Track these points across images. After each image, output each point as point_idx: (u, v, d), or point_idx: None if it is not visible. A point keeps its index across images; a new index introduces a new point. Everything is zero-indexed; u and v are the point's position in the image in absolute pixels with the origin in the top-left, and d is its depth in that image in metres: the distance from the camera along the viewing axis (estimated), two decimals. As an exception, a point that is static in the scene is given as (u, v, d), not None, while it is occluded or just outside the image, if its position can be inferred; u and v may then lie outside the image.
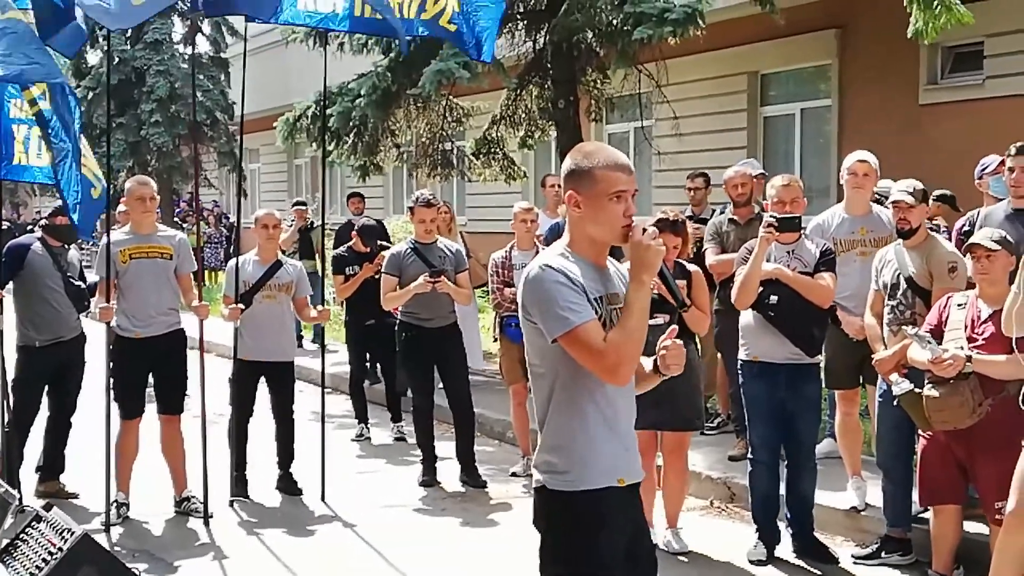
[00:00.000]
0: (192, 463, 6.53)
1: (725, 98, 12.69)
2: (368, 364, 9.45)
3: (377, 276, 7.55)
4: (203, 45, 23.88)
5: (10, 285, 6.67)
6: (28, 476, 6.69)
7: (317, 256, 11.19)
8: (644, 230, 2.95)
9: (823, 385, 5.84)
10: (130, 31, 22.57)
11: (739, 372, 5.71)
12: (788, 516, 5.63)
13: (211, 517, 6.39)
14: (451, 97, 11.12)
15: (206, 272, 14.77)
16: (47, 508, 3.56)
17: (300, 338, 12.15)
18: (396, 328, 7.38)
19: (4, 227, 7.16)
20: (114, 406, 6.29)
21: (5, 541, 3.50)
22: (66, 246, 6.97)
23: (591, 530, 2.98)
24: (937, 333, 4.81)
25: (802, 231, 5.55)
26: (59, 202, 7.15)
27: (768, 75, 12.69)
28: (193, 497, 6.52)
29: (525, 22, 10.63)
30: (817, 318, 5.45)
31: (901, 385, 4.85)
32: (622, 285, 3.08)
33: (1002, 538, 4.42)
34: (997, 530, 4.51)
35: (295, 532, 6.28)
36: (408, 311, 7.17)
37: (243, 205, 24.29)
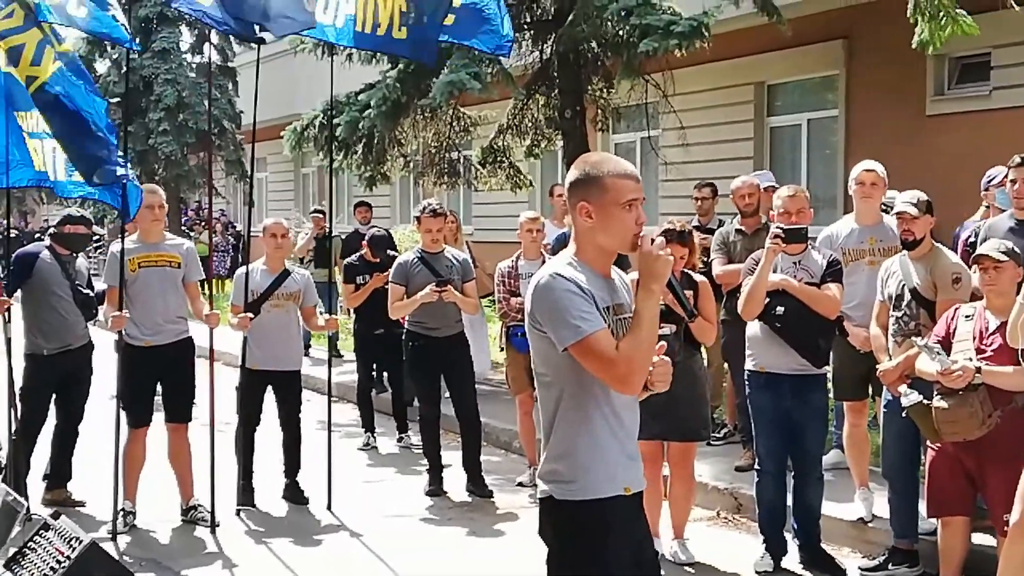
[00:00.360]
0: (199, 471, 6.54)
1: (732, 108, 12.70)
2: (375, 373, 9.45)
3: (387, 286, 7.56)
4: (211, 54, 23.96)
5: (18, 293, 6.70)
6: (35, 484, 6.70)
7: (336, 266, 11.20)
8: (652, 240, 2.97)
9: (831, 396, 5.83)
10: (138, 39, 22.70)
11: (746, 382, 5.71)
12: (795, 527, 5.62)
13: (218, 526, 6.40)
14: (458, 107, 11.14)
15: (213, 280, 14.80)
16: (55, 516, 3.58)
17: (308, 347, 12.17)
18: (403, 337, 7.39)
19: (12, 235, 7.18)
20: (122, 415, 6.29)
21: (13, 550, 3.51)
22: (74, 254, 7.00)
23: (598, 539, 2.98)
24: (945, 344, 4.80)
25: (809, 242, 5.55)
26: (68, 211, 7.20)
27: (775, 85, 12.70)
28: (200, 506, 6.52)
29: (532, 32, 10.66)
30: (823, 329, 5.45)
31: (910, 396, 4.84)
32: (627, 295, 3.10)
33: (1007, 548, 4.41)
34: (1004, 542, 4.50)
35: (301, 541, 6.28)
36: (415, 320, 7.17)
37: (250, 214, 24.48)
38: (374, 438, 8.71)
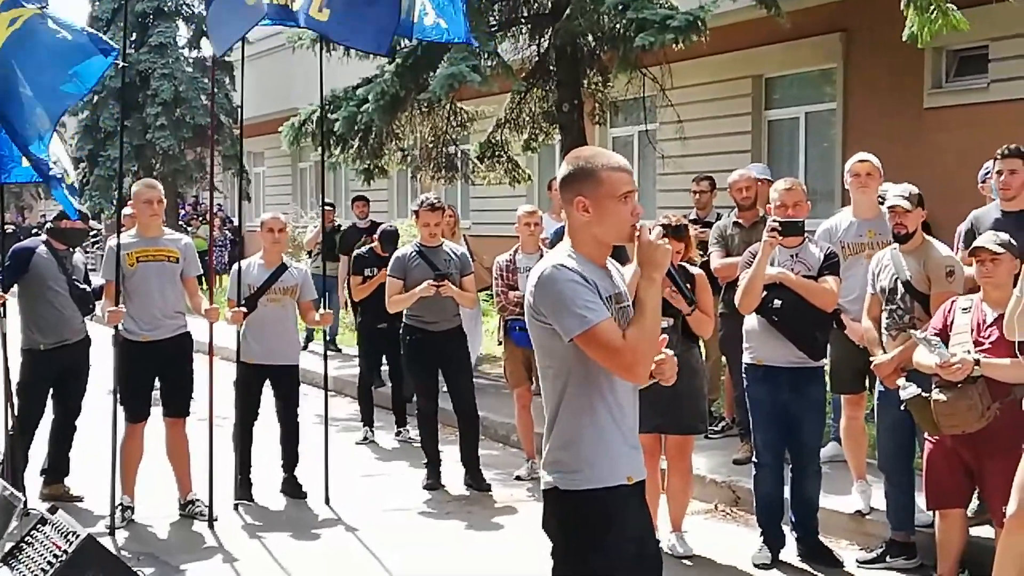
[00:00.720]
0: (197, 466, 6.54)
1: (729, 102, 12.68)
2: (382, 367, 9.44)
3: None
4: (207, 49, 23.95)
5: (15, 288, 6.69)
6: (33, 479, 6.69)
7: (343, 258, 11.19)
8: (650, 230, 3.02)
9: (828, 389, 5.83)
10: (134, 35, 22.66)
11: (743, 376, 5.71)
12: (792, 520, 5.63)
13: (216, 520, 6.40)
14: (455, 101, 11.13)
15: (212, 275, 14.80)
16: (52, 511, 3.57)
17: (309, 341, 12.17)
18: (400, 331, 7.39)
19: (9, 231, 7.17)
20: (119, 409, 6.29)
21: (10, 544, 3.51)
22: (71, 249, 6.98)
23: (603, 528, 3.00)
24: (942, 337, 4.80)
25: (806, 235, 5.55)
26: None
27: (772, 79, 12.68)
28: (198, 500, 6.53)
29: (529, 26, 10.65)
30: (821, 322, 5.45)
31: (908, 389, 4.84)
32: (623, 285, 3.13)
33: (1003, 540, 4.43)
34: (1002, 533, 4.51)
35: (300, 535, 6.28)
36: (413, 314, 7.17)
37: (248, 209, 24.44)
38: (372, 432, 8.72)
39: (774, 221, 5.40)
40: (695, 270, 5.68)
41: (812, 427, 5.55)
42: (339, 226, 12.42)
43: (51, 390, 6.82)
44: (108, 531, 6.08)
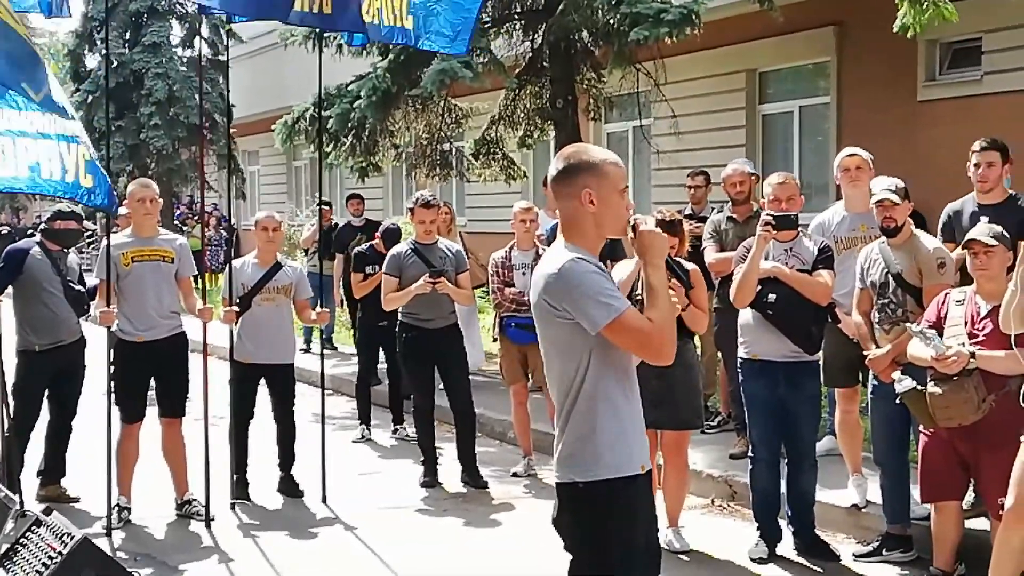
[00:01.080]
0: (193, 466, 6.53)
1: (723, 96, 12.68)
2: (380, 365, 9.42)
3: None
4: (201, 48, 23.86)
5: (9, 289, 6.67)
6: (29, 480, 6.68)
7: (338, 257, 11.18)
8: (644, 222, 3.13)
9: (823, 383, 5.84)
10: (128, 34, 22.60)
11: (739, 370, 5.72)
12: (789, 514, 5.63)
13: (213, 520, 6.40)
14: (449, 98, 11.12)
15: (207, 275, 14.74)
16: (47, 512, 3.57)
17: (309, 342, 12.15)
18: (396, 329, 7.38)
19: (4, 232, 7.15)
20: (115, 410, 6.28)
21: (5, 546, 3.51)
22: (65, 250, 6.97)
23: (629, 517, 3.05)
24: (936, 329, 4.81)
25: (800, 229, 5.55)
26: (58, 206, 7.15)
27: (766, 73, 12.68)
28: (195, 500, 6.52)
29: (523, 22, 10.64)
30: (816, 316, 5.45)
31: (904, 383, 4.84)
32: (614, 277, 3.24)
33: (1001, 533, 4.43)
34: (999, 526, 4.51)
35: (297, 534, 6.28)
36: (409, 312, 7.16)
37: (243, 207, 24.42)
38: (369, 430, 8.71)
39: (768, 215, 5.40)
40: (690, 265, 5.67)
41: (808, 421, 5.56)
42: (336, 224, 12.40)
43: (47, 391, 6.81)
44: (105, 532, 6.07)
